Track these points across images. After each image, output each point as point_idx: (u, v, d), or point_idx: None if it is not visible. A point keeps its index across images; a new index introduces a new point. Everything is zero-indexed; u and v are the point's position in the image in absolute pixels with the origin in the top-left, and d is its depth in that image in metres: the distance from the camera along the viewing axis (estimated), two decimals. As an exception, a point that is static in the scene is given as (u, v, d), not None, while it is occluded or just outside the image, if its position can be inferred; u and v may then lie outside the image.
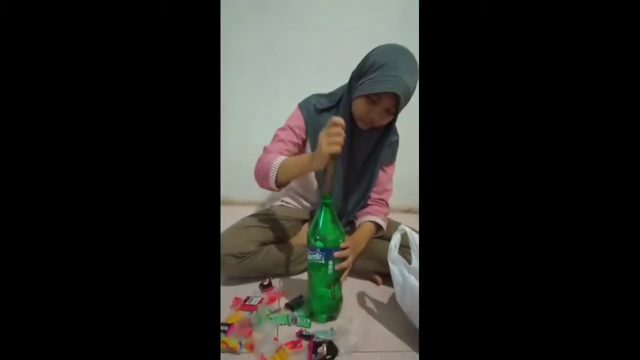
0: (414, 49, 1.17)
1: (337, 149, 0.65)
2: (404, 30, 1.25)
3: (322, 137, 0.66)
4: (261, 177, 0.81)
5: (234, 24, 1.25)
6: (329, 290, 0.77)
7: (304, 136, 0.90)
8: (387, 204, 0.98)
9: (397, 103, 0.76)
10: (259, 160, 0.83)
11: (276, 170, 0.78)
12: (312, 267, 0.76)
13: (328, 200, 0.73)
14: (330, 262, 0.74)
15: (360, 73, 0.79)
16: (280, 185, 0.80)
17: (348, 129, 0.83)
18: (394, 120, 0.86)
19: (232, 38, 1.25)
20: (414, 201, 1.49)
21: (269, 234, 0.93)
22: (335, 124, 0.65)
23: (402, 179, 1.29)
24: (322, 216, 0.74)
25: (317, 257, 0.74)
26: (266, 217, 0.97)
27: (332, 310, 0.79)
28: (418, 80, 0.77)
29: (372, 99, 0.77)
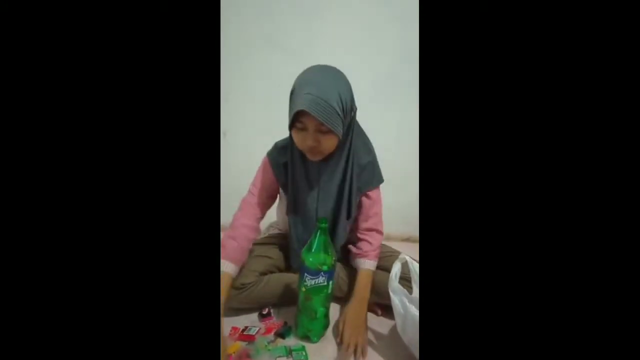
0: (413, 76, 1.21)
1: None
2: (402, 60, 1.30)
3: None
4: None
5: (239, 55, 1.29)
6: (325, 309, 0.80)
7: (272, 186, 0.90)
8: (377, 231, 0.93)
9: (320, 121, 0.69)
10: (227, 231, 0.85)
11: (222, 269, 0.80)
12: (313, 292, 0.76)
13: (323, 225, 0.75)
14: (331, 283, 0.77)
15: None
16: None
17: (303, 164, 0.83)
18: (348, 141, 0.81)
19: (236, 69, 1.29)
20: (412, 230, 1.49)
21: (268, 263, 0.92)
22: None
23: (400, 207, 1.30)
24: (320, 240, 0.76)
25: (320, 280, 0.75)
26: (265, 247, 0.97)
27: (326, 327, 0.83)
28: (342, 88, 0.73)
29: (298, 126, 0.74)
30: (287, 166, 0.85)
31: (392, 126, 1.26)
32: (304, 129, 0.74)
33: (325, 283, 0.76)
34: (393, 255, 0.94)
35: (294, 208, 0.88)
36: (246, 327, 0.82)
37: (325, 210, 0.87)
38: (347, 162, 0.83)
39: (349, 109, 0.75)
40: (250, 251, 0.92)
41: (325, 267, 0.75)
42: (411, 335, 0.73)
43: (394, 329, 0.81)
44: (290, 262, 0.96)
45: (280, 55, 1.31)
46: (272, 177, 0.89)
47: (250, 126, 1.37)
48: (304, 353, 0.76)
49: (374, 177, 0.90)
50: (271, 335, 0.81)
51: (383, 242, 1.07)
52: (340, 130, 0.74)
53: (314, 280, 0.75)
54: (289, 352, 0.76)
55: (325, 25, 1.30)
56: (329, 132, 0.72)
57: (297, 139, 0.77)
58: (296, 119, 0.72)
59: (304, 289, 0.77)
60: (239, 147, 1.35)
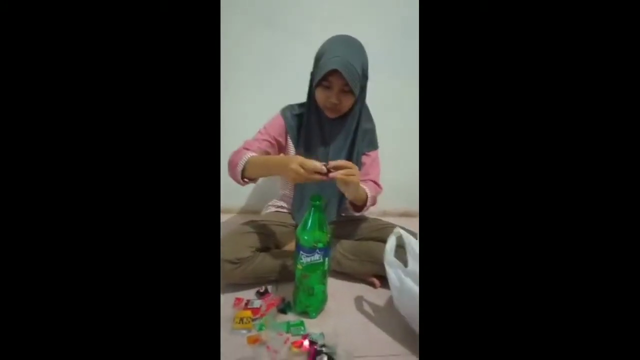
0: (413, 56, 1.18)
1: (299, 181, 0.74)
2: (402, 35, 1.27)
3: (296, 164, 0.72)
4: (231, 168, 0.88)
5: (237, 37, 1.25)
6: (323, 285, 0.81)
7: (279, 138, 0.96)
8: (376, 183, 0.98)
9: (346, 81, 0.81)
10: (233, 153, 0.89)
11: (243, 164, 0.84)
12: (310, 269, 0.77)
13: (317, 202, 0.75)
14: (326, 259, 0.78)
15: (313, 69, 0.88)
16: (246, 179, 0.86)
17: (319, 121, 0.92)
18: (360, 103, 0.91)
19: (234, 51, 1.25)
20: (410, 205, 1.50)
21: (265, 240, 0.92)
22: (317, 171, 0.73)
23: (398, 183, 1.29)
24: (315, 218, 0.75)
25: (316, 257, 0.76)
26: (262, 224, 0.96)
27: (324, 303, 0.84)
28: (364, 56, 0.86)
29: (325, 84, 0.84)
30: (301, 117, 0.94)
31: (389, 102, 1.24)
32: (329, 87, 0.85)
33: (321, 260, 0.76)
34: (388, 227, 0.95)
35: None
36: (249, 300, 0.83)
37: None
38: (357, 122, 0.93)
39: (366, 75, 0.88)
40: (247, 227, 0.93)
41: (320, 245, 0.75)
42: (407, 307, 0.74)
43: (391, 300, 0.82)
44: (293, 216, 1.02)
45: (278, 37, 1.27)
46: (282, 127, 0.96)
47: (245, 109, 1.34)
48: (302, 328, 0.77)
49: (373, 141, 1.02)
50: (274, 311, 0.82)
51: (379, 217, 1.08)
52: (358, 92, 0.86)
53: (309, 258, 0.76)
54: (289, 327, 0.77)
55: (322, 1, 1.26)
56: (349, 92, 0.84)
57: (321, 96, 0.87)
58: (324, 78, 0.82)
59: (300, 267, 0.77)
60: (232, 130, 1.33)
